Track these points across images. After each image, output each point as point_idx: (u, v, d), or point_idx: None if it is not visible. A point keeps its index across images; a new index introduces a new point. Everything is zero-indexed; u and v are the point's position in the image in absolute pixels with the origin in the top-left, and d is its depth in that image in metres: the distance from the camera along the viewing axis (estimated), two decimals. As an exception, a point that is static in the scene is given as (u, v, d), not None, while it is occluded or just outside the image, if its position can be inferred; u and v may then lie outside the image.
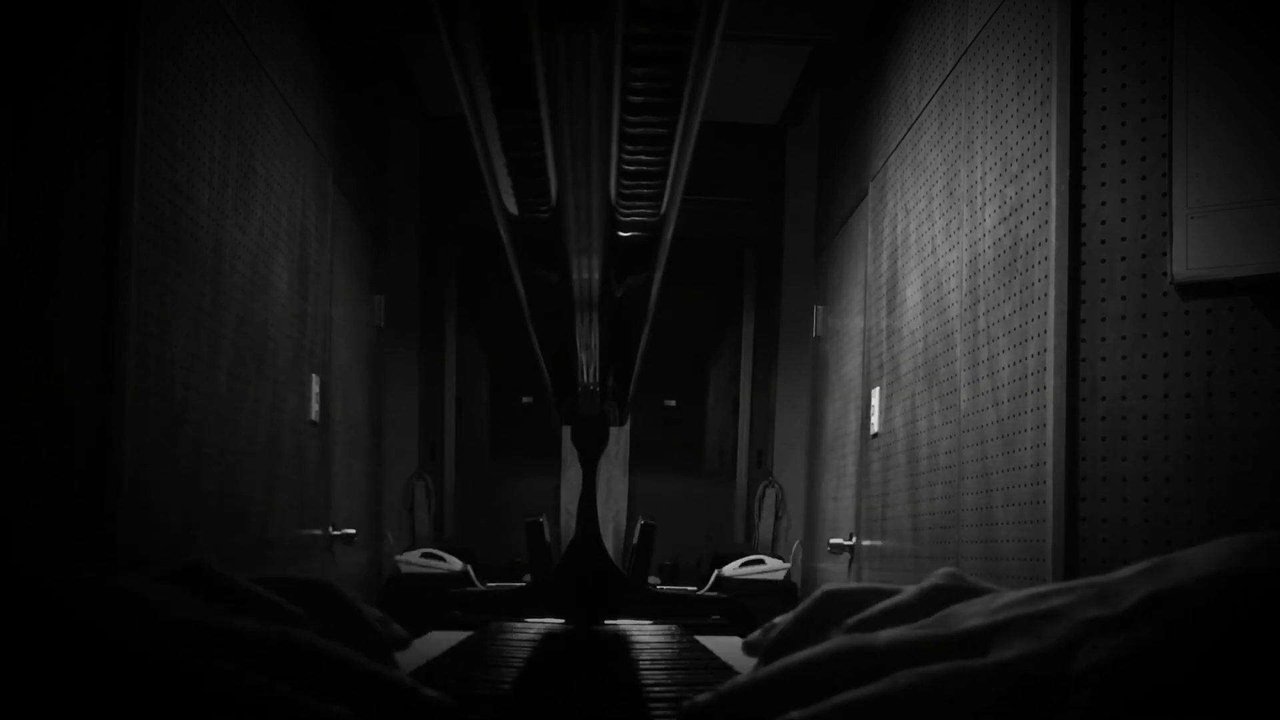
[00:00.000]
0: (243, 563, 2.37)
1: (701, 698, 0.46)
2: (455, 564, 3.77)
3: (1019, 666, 0.42)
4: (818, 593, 0.58)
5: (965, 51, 2.35)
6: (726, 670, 0.79)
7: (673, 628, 1.22)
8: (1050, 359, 1.82)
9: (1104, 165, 1.79)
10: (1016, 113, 2.04)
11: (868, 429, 3.18)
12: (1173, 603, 0.41)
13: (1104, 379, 1.77)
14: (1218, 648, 0.40)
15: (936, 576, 0.53)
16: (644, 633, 1.16)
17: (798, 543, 4.13)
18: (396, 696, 0.45)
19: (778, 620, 0.59)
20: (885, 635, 0.46)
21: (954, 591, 0.52)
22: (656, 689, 0.72)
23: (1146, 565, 0.43)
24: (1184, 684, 0.40)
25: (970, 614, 0.46)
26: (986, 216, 2.20)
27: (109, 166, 1.75)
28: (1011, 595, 0.46)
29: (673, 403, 4.78)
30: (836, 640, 0.47)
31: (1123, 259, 1.76)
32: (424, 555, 3.82)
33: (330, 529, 3.18)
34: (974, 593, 0.51)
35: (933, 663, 0.43)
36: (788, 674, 0.45)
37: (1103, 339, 1.77)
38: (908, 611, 0.52)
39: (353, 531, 3.28)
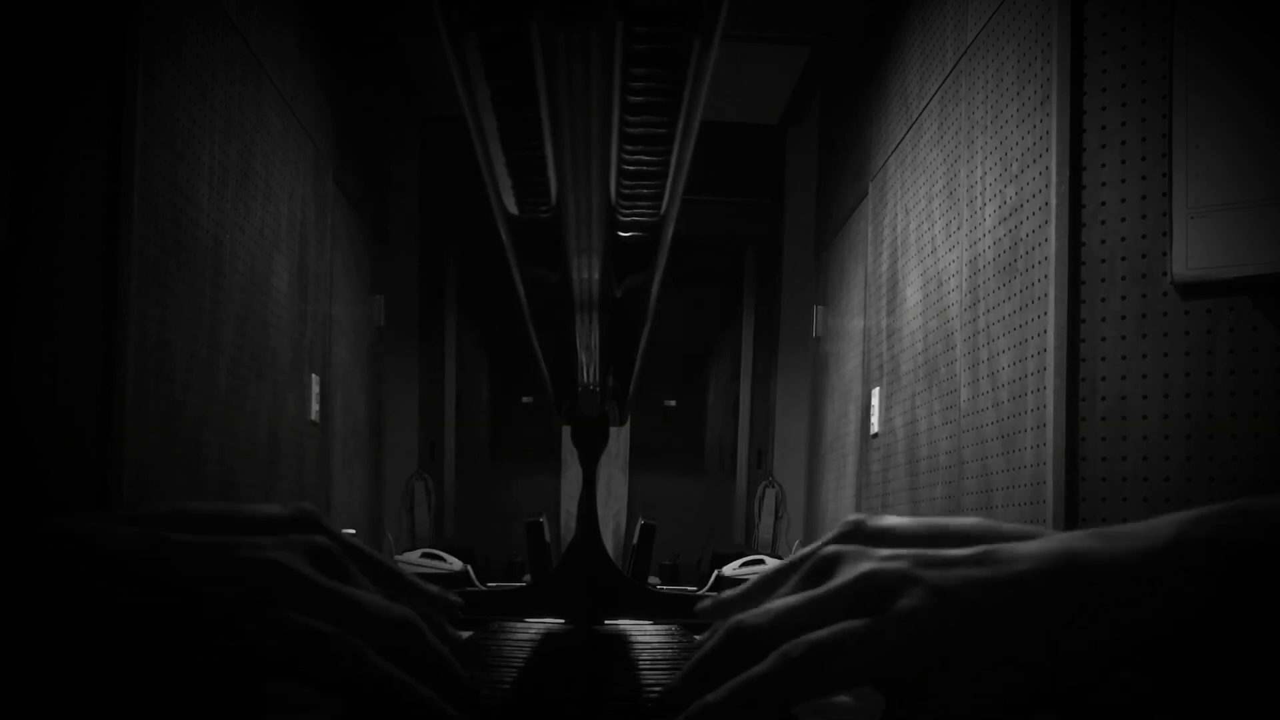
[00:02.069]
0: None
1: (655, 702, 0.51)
2: (455, 564, 3.77)
3: (893, 627, 0.47)
4: (760, 577, 0.61)
5: (965, 51, 2.35)
6: None
7: (673, 628, 1.22)
8: (1050, 359, 1.82)
9: (1104, 165, 1.79)
10: (1016, 113, 2.04)
11: (868, 429, 3.18)
12: (998, 582, 0.47)
13: (1104, 379, 1.77)
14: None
15: (845, 524, 0.57)
16: (644, 633, 1.16)
17: (797, 543, 4.13)
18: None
19: (726, 593, 0.63)
20: (768, 611, 0.50)
21: (856, 534, 0.56)
22: (656, 689, 0.72)
23: (981, 550, 0.49)
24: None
25: (844, 562, 0.51)
26: (986, 216, 2.20)
27: (109, 167, 1.75)
28: (878, 553, 0.51)
29: (673, 403, 4.77)
30: (722, 629, 0.51)
31: (1123, 259, 1.76)
32: (424, 555, 3.82)
33: (330, 529, 3.17)
34: (877, 533, 0.55)
35: (813, 628, 0.47)
36: (695, 674, 0.50)
37: (1103, 339, 1.77)
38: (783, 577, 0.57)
39: (353, 531, 3.27)
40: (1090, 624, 0.46)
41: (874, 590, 0.49)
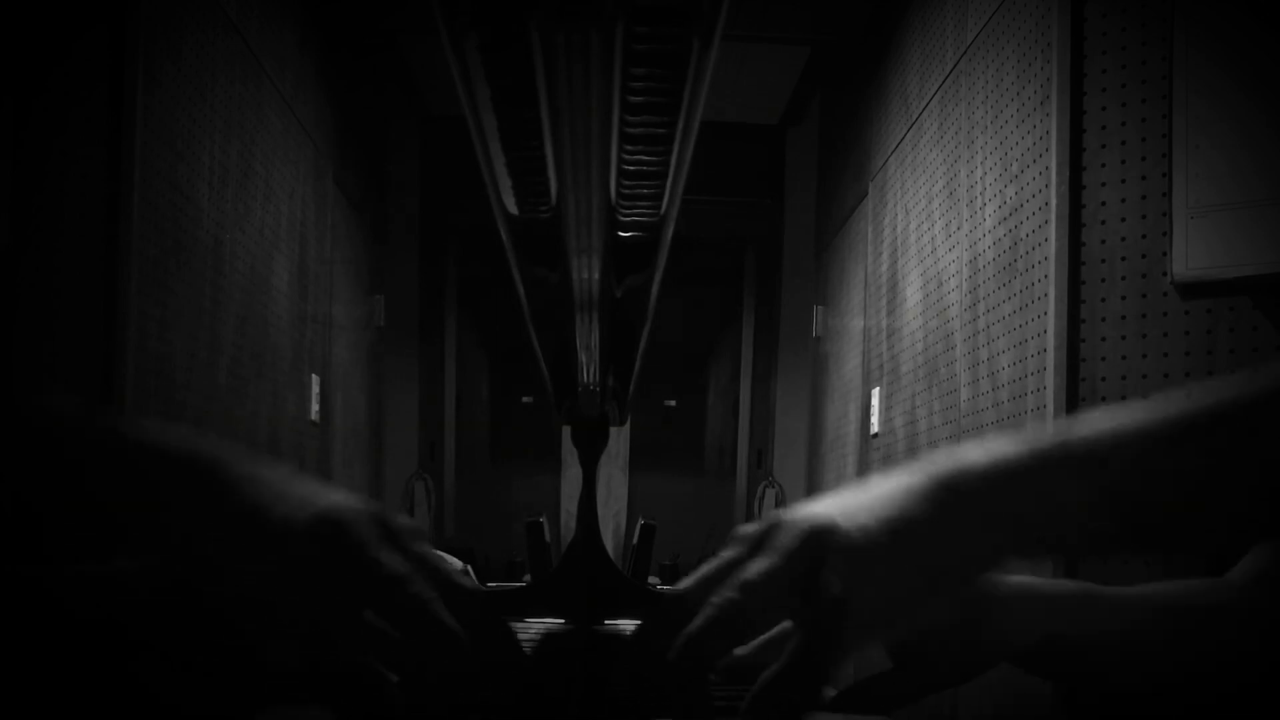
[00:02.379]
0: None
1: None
2: (455, 564, 3.77)
3: (795, 551, 0.54)
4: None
5: (965, 51, 2.35)
6: (725, 670, 0.79)
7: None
8: (1050, 359, 1.82)
9: (1104, 165, 1.79)
10: (1016, 113, 2.04)
11: (868, 429, 3.18)
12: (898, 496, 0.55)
13: (1104, 379, 1.77)
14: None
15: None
16: (644, 633, 1.16)
17: (798, 543, 4.13)
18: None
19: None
20: (689, 581, 0.57)
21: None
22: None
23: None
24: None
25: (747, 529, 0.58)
26: (986, 216, 2.20)
27: (109, 167, 1.75)
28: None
29: (673, 403, 4.77)
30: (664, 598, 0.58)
31: (1123, 259, 1.76)
32: (424, 555, 3.82)
33: (330, 529, 3.17)
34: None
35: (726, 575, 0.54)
36: (648, 639, 0.56)
37: (1103, 339, 1.77)
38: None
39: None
40: (968, 509, 0.54)
41: (775, 531, 0.56)
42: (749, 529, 0.58)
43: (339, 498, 0.55)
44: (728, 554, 0.57)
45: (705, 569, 0.57)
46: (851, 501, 0.56)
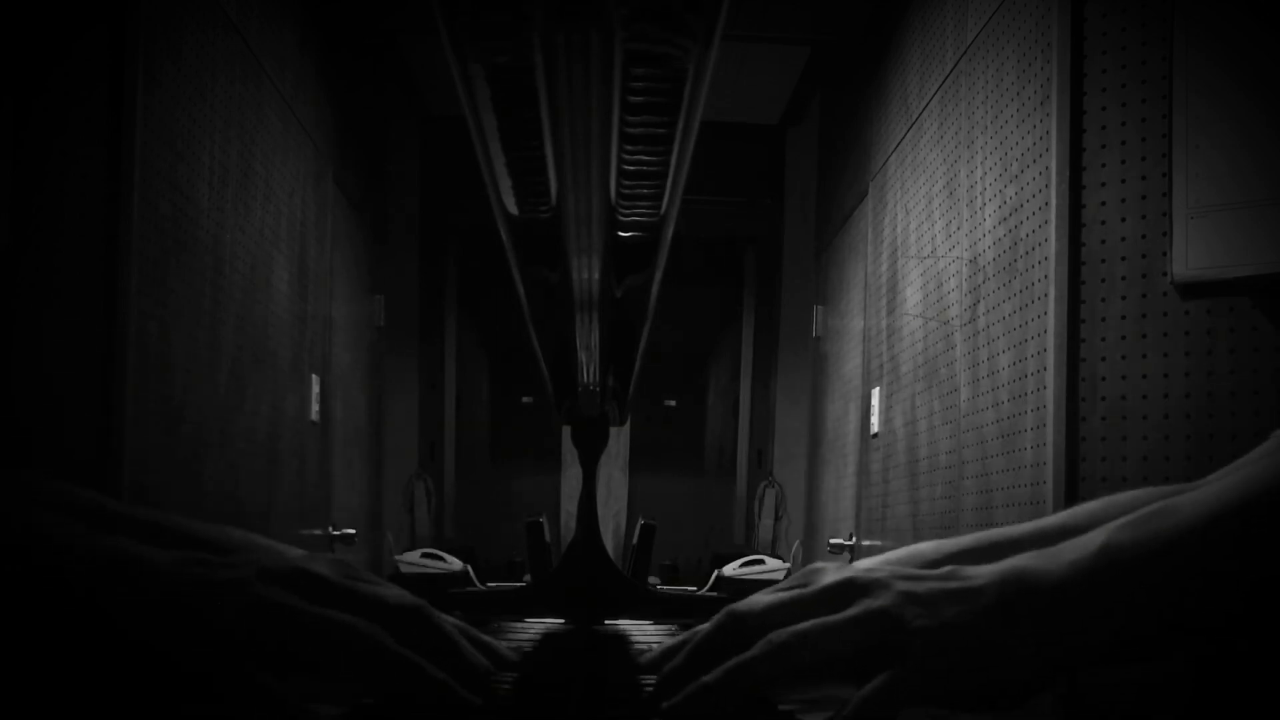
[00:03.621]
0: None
1: (652, 668, 0.61)
2: (455, 564, 3.77)
3: (863, 619, 0.55)
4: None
5: (965, 51, 2.35)
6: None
7: (673, 628, 1.22)
8: (1050, 359, 1.82)
9: (1104, 165, 1.79)
10: (1016, 113, 2.04)
11: (868, 429, 3.18)
12: (964, 598, 0.55)
13: (1104, 379, 1.77)
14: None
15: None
16: (644, 633, 1.16)
17: (798, 543, 4.13)
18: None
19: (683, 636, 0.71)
20: (757, 603, 0.58)
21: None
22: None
23: (946, 569, 0.57)
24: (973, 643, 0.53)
25: (828, 571, 0.59)
26: (986, 216, 2.20)
27: (109, 166, 1.75)
28: (859, 564, 0.60)
29: (673, 403, 4.77)
30: (716, 617, 0.59)
31: (1123, 259, 1.76)
32: (424, 555, 3.81)
33: (330, 529, 3.18)
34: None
35: (798, 621, 0.55)
36: (694, 652, 0.58)
37: (1103, 339, 1.77)
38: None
39: (353, 531, 3.28)
40: (1032, 629, 0.53)
41: (853, 590, 0.56)
42: (829, 579, 0.58)
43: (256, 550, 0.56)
44: (794, 592, 0.58)
45: (769, 597, 0.58)
46: (923, 586, 0.56)
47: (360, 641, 0.53)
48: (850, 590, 0.57)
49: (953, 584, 0.56)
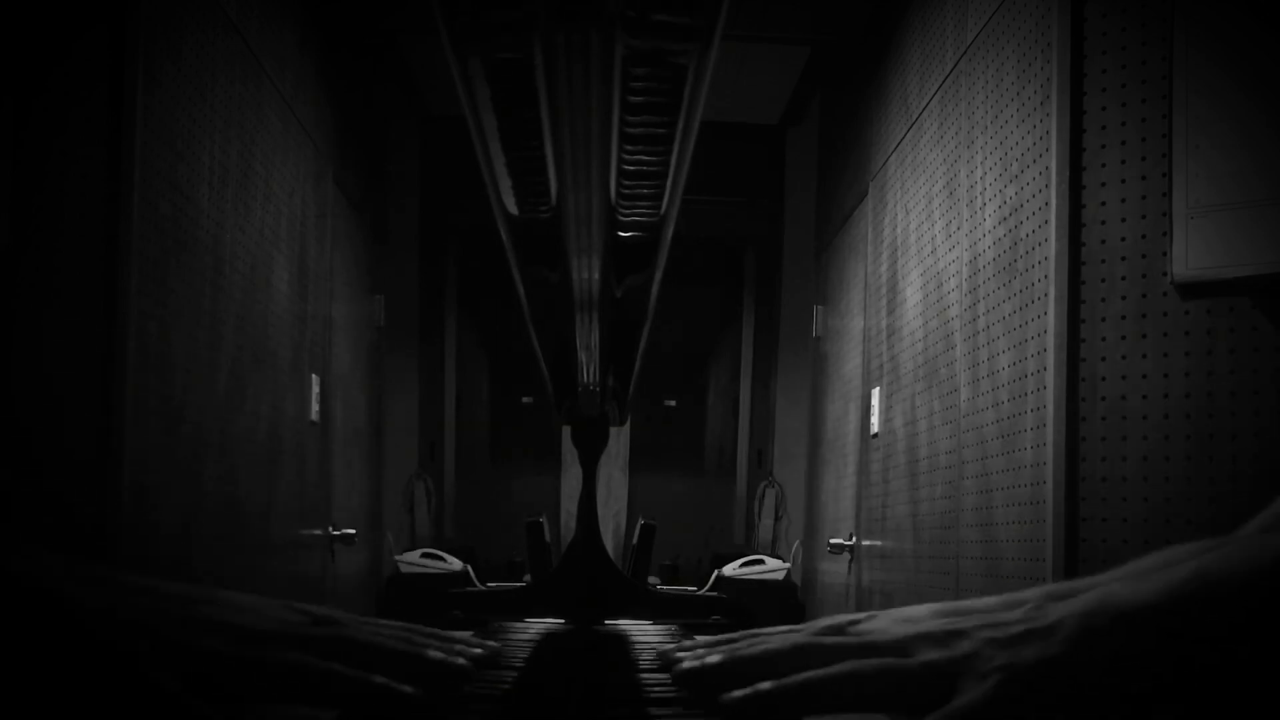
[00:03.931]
0: (243, 563, 2.37)
1: (688, 665, 0.59)
2: (455, 564, 3.77)
3: (938, 666, 0.54)
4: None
5: (965, 51, 2.35)
6: None
7: (673, 628, 1.22)
8: (1050, 359, 1.82)
9: (1104, 165, 1.79)
10: (1016, 113, 2.04)
11: (868, 429, 3.18)
12: (1041, 636, 0.53)
13: (1104, 379, 1.77)
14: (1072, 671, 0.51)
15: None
16: (644, 633, 1.16)
17: (798, 543, 4.13)
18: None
19: (698, 638, 0.70)
20: (831, 639, 0.58)
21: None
22: (656, 690, 0.72)
23: (1030, 607, 0.55)
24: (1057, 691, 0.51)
25: (892, 627, 0.58)
26: (986, 216, 2.20)
27: (109, 166, 1.75)
28: (921, 614, 0.59)
29: (673, 403, 4.77)
30: (793, 638, 0.58)
31: (1123, 259, 1.76)
32: (424, 555, 3.82)
33: (330, 529, 3.18)
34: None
35: (870, 659, 0.55)
36: (756, 660, 0.57)
37: (1103, 339, 1.77)
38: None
39: (353, 531, 3.28)
40: (1118, 660, 0.51)
41: (930, 641, 0.56)
42: (901, 632, 0.57)
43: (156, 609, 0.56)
44: (873, 637, 0.58)
45: (846, 641, 0.58)
46: (1004, 631, 0.54)
47: (273, 674, 0.53)
48: (924, 641, 0.56)
49: (1034, 623, 0.54)
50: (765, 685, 0.54)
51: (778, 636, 0.59)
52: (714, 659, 0.58)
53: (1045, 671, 0.51)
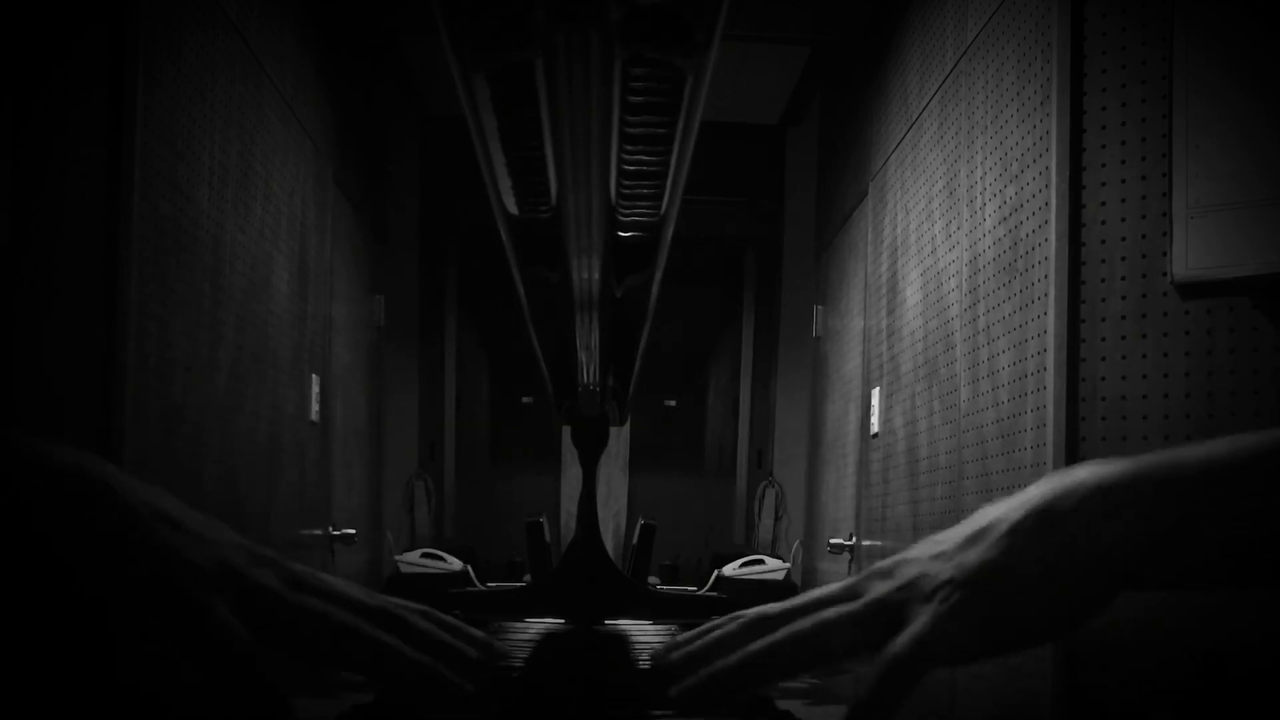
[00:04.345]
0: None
1: (659, 659, 0.59)
2: (455, 564, 3.77)
3: (885, 599, 0.55)
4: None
5: (965, 51, 2.35)
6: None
7: (672, 628, 1.22)
8: (1050, 359, 1.82)
9: (1104, 165, 1.79)
10: (1016, 113, 2.04)
11: (868, 429, 3.18)
12: (984, 537, 0.54)
13: (1104, 379, 1.77)
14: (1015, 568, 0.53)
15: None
16: (643, 633, 1.16)
17: (798, 543, 4.13)
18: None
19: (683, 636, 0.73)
20: (778, 606, 0.58)
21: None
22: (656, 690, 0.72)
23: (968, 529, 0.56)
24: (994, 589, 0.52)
25: (840, 581, 0.60)
26: (986, 216, 2.20)
27: (109, 166, 1.75)
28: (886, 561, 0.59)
29: (673, 403, 4.77)
30: (743, 616, 0.59)
31: (1123, 259, 1.76)
32: (424, 555, 3.82)
33: (330, 529, 3.18)
34: None
35: (825, 610, 0.56)
36: (711, 646, 0.58)
37: (1103, 339, 1.77)
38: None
39: (353, 531, 3.28)
40: (1057, 557, 0.52)
41: (875, 576, 0.57)
42: (852, 579, 0.59)
43: (237, 543, 0.56)
44: (819, 591, 0.58)
45: (796, 599, 0.59)
46: (950, 540, 0.55)
47: (336, 628, 0.53)
48: (873, 577, 0.57)
49: (970, 528, 0.55)
50: (707, 669, 0.55)
51: (739, 620, 0.60)
52: (674, 654, 0.59)
53: (987, 574, 0.52)
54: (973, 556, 0.53)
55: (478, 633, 0.68)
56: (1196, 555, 0.51)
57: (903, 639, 0.52)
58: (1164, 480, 0.53)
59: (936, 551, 0.56)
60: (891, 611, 0.54)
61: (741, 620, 0.58)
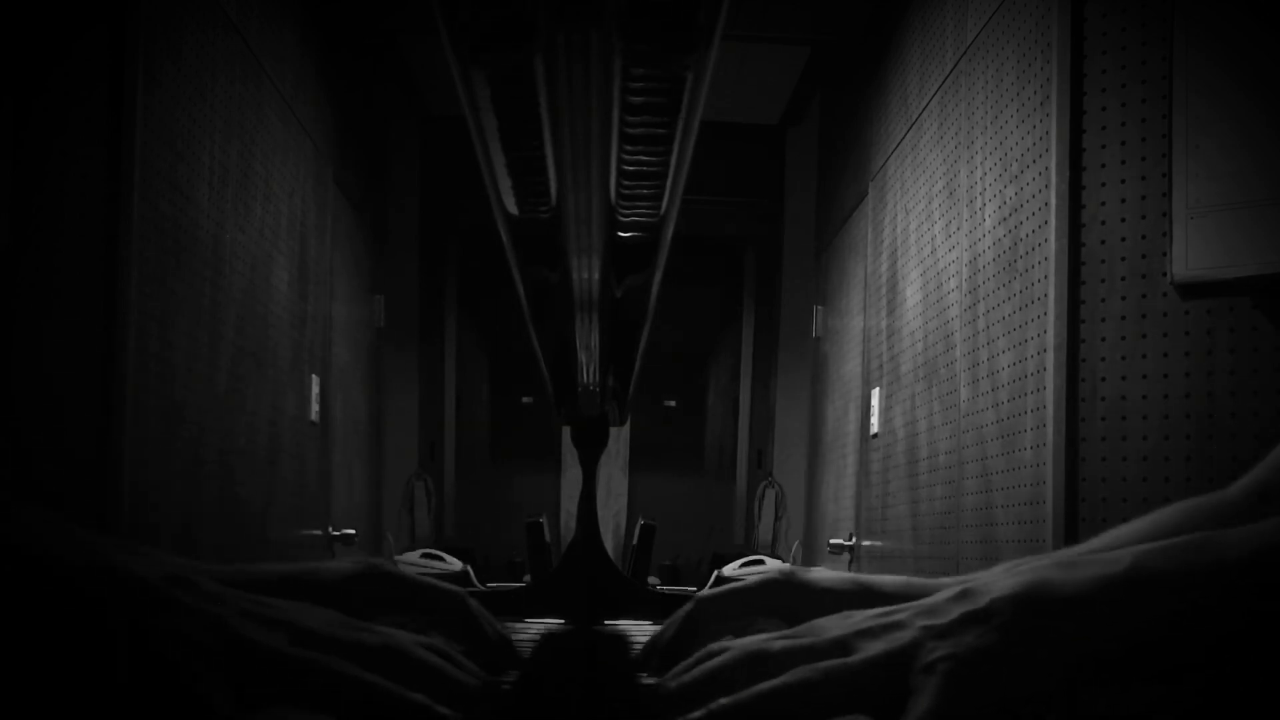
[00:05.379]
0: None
1: (652, 683, 0.60)
2: (455, 564, 3.76)
3: (880, 661, 0.55)
4: (689, 604, 0.71)
5: (965, 51, 2.35)
6: None
7: (672, 628, 1.22)
8: (1050, 359, 1.82)
9: (1104, 165, 1.79)
10: (1016, 113, 2.04)
11: (867, 429, 3.18)
12: (983, 619, 0.54)
13: (1104, 379, 1.77)
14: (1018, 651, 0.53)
15: (773, 572, 0.71)
16: (644, 633, 1.16)
17: (798, 543, 4.13)
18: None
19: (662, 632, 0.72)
20: (778, 644, 0.58)
21: (784, 585, 0.69)
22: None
23: (958, 590, 0.57)
24: (998, 675, 0.53)
25: (831, 626, 0.59)
26: (986, 216, 2.20)
27: (109, 166, 1.75)
28: (858, 614, 0.59)
29: (673, 403, 4.77)
30: (739, 649, 0.59)
31: (1123, 259, 1.76)
32: (424, 555, 3.81)
33: (330, 529, 3.18)
34: (803, 586, 0.69)
35: (817, 661, 0.56)
36: (708, 678, 0.58)
37: (1103, 339, 1.77)
38: (749, 595, 0.70)
39: (353, 531, 3.28)
40: (1054, 647, 0.53)
41: (867, 637, 0.57)
42: (838, 633, 0.58)
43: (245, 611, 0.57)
44: (806, 640, 0.58)
45: (784, 642, 0.58)
46: (941, 618, 0.56)
47: (331, 681, 0.53)
48: (862, 636, 0.57)
49: (967, 606, 0.55)
50: (721, 702, 0.55)
51: (735, 653, 0.60)
52: (672, 684, 0.60)
53: (986, 661, 0.53)
54: (969, 641, 0.54)
55: (496, 630, 0.68)
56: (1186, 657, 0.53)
57: (919, 713, 0.54)
58: (1165, 592, 0.53)
59: (929, 613, 0.56)
60: (888, 674, 0.55)
61: (737, 654, 0.59)
